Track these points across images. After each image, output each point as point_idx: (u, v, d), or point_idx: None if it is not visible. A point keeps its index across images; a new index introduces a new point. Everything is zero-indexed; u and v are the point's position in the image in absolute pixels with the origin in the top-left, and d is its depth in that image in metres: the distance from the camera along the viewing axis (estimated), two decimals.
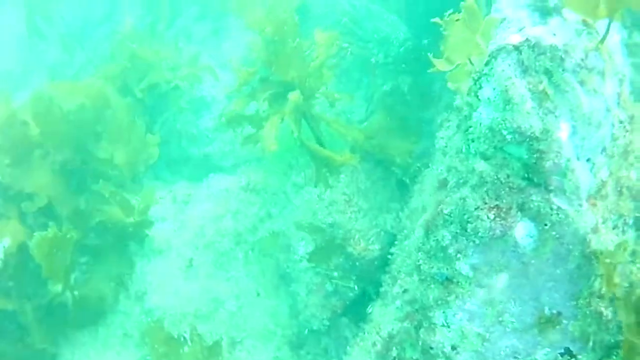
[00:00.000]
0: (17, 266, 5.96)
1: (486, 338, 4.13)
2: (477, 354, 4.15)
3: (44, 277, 5.81)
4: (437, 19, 4.28)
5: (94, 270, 6.18)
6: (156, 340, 5.44)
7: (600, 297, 4.04)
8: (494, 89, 3.92)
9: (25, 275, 5.98)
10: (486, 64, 3.99)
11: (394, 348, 4.53)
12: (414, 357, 4.37)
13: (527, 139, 3.86)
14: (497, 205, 3.97)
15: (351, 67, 6.35)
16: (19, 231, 6.04)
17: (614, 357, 4.05)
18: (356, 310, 5.50)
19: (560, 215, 3.91)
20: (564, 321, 4.08)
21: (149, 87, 6.87)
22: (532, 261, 4.01)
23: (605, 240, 4.07)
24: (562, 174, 3.90)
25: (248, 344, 5.80)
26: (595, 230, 4.01)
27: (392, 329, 4.58)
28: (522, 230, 3.97)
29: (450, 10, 4.28)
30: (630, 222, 4.33)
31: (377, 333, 4.68)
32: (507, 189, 3.96)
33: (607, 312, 4.01)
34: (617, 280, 3.97)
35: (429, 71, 4.35)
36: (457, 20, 4.24)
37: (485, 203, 3.99)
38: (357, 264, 5.49)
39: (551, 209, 3.91)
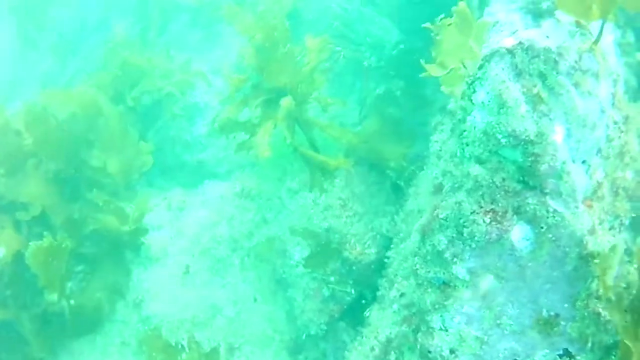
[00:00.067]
0: (12, 276, 5.95)
1: (484, 341, 4.12)
2: (475, 357, 4.15)
3: (40, 287, 5.79)
4: (428, 24, 4.27)
5: (90, 278, 6.16)
6: (154, 348, 5.42)
7: (598, 298, 4.05)
8: (488, 92, 3.92)
9: (21, 284, 5.97)
10: (479, 68, 3.99)
11: (392, 352, 4.52)
12: None
13: (522, 143, 3.86)
14: (492, 209, 3.97)
15: (344, 71, 6.34)
16: (14, 240, 6.01)
17: (613, 358, 4.05)
18: (354, 314, 5.50)
19: (556, 218, 3.91)
20: (562, 323, 4.08)
21: (142, 95, 6.86)
22: (529, 264, 4.01)
23: (602, 241, 4.07)
24: (558, 177, 3.90)
25: (246, 350, 5.79)
26: (592, 231, 4.01)
27: (390, 333, 4.58)
28: (519, 234, 3.97)
29: (442, 15, 4.28)
30: (627, 222, 4.34)
31: (375, 337, 4.68)
32: (503, 192, 3.96)
33: (605, 313, 4.01)
34: (609, 282, 3.99)
35: (421, 75, 4.34)
36: (449, 24, 4.23)
37: (481, 207, 3.98)
38: (354, 268, 5.49)
39: (547, 211, 3.91)
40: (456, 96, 4.20)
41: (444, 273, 4.17)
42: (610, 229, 4.23)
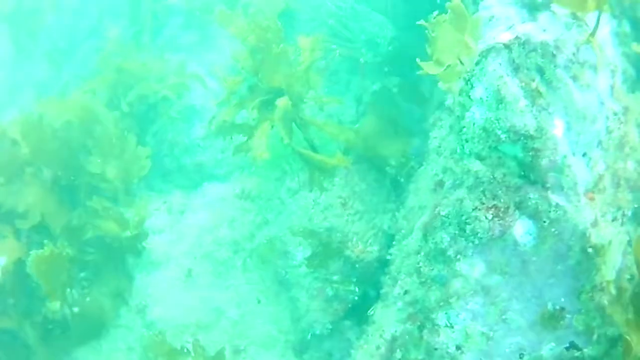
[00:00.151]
0: (14, 284, 5.93)
1: (490, 337, 4.13)
2: (482, 353, 4.15)
3: (42, 295, 5.78)
4: (422, 22, 4.25)
5: (92, 285, 6.15)
6: (159, 353, 5.42)
7: (603, 290, 4.05)
8: (486, 88, 3.92)
9: (23, 293, 5.96)
10: (477, 64, 3.99)
11: (398, 350, 4.52)
12: (419, 358, 4.36)
13: (522, 138, 3.86)
14: (494, 205, 3.97)
15: (339, 69, 6.31)
16: (15, 249, 6.00)
17: (619, 349, 4.05)
18: (358, 312, 5.49)
19: (558, 212, 3.91)
20: (568, 316, 4.08)
21: (138, 99, 6.83)
22: (533, 259, 4.01)
23: (605, 233, 4.07)
24: (559, 171, 3.91)
25: (252, 352, 5.78)
26: (594, 224, 4.01)
27: (395, 331, 4.57)
28: (521, 229, 3.97)
29: (436, 11, 4.26)
30: (629, 214, 4.33)
31: (381, 336, 4.67)
32: (504, 188, 3.96)
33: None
34: (607, 276, 4.00)
35: (418, 73, 4.32)
36: (443, 21, 4.21)
37: (483, 203, 3.99)
38: (357, 266, 5.47)
39: (549, 206, 3.92)
40: (454, 92, 4.19)
41: (447, 270, 4.17)
42: (612, 221, 4.23)
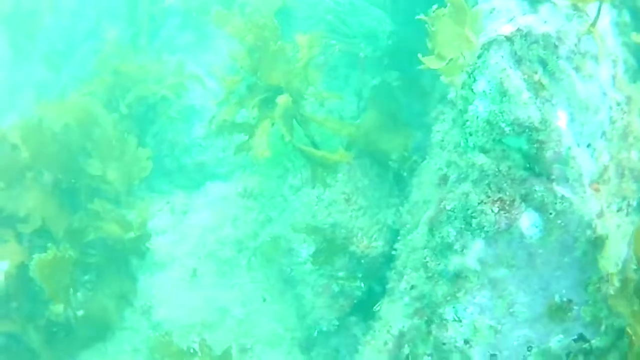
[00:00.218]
0: (17, 288, 5.92)
1: (498, 330, 4.13)
2: (490, 346, 4.15)
3: (46, 299, 5.77)
4: (422, 16, 4.24)
5: (96, 287, 6.14)
6: (165, 354, 5.41)
7: (609, 281, 4.05)
8: (489, 81, 3.91)
9: (26, 296, 5.94)
10: (479, 57, 3.98)
11: (406, 345, 4.51)
12: (427, 353, 4.35)
13: (526, 130, 3.85)
14: (500, 198, 3.96)
15: (338, 64, 6.29)
16: (17, 253, 5.99)
17: (626, 340, 4.04)
18: (364, 308, 5.48)
19: (564, 204, 3.91)
20: (575, 307, 4.08)
21: (136, 100, 6.81)
22: (539, 251, 4.00)
23: (610, 224, 4.07)
24: (564, 162, 3.90)
25: (258, 350, 5.77)
26: (600, 215, 4.00)
27: (403, 327, 4.56)
28: (527, 221, 3.96)
29: (435, 5, 4.24)
30: (634, 203, 4.33)
31: (388, 331, 4.66)
32: (509, 181, 3.96)
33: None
34: (609, 269, 3.99)
35: (419, 68, 4.30)
36: (443, 15, 4.20)
37: (489, 197, 3.98)
38: (362, 262, 5.47)
39: (555, 197, 3.91)
40: (456, 86, 4.18)
41: (454, 265, 4.16)
42: (618, 211, 4.23)
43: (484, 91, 3.91)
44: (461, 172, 4.15)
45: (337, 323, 5.60)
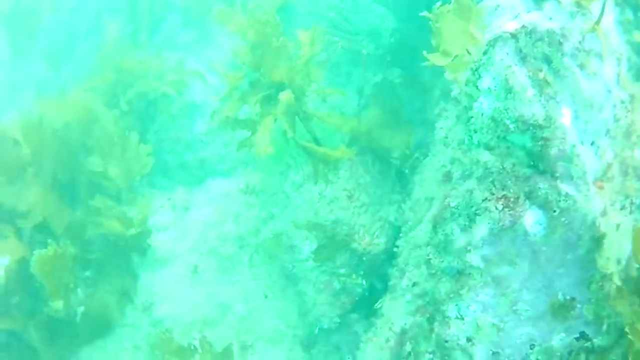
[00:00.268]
0: (18, 284, 5.91)
1: (501, 328, 4.12)
2: (492, 344, 4.14)
3: (47, 295, 5.76)
4: (426, 13, 4.24)
5: (97, 284, 6.13)
6: (166, 351, 5.40)
7: (612, 279, 4.04)
8: (494, 78, 3.91)
9: (26, 292, 5.93)
10: (484, 54, 3.98)
11: (408, 342, 4.51)
12: (429, 350, 4.35)
13: (531, 127, 3.85)
14: (504, 195, 3.96)
15: (340, 61, 6.28)
16: (18, 249, 5.98)
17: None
18: (365, 305, 5.47)
19: (568, 201, 3.91)
20: (578, 306, 4.08)
21: (137, 97, 6.80)
22: (543, 248, 4.00)
23: (614, 222, 4.07)
24: (568, 160, 3.90)
25: (259, 347, 5.76)
26: (603, 213, 4.00)
27: (405, 324, 4.56)
28: (531, 219, 3.96)
29: (439, 2, 4.24)
30: (638, 202, 4.33)
31: (390, 328, 4.66)
32: (514, 178, 3.95)
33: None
34: (609, 269, 3.99)
35: (424, 64, 4.30)
36: (447, 11, 4.19)
37: (493, 194, 3.98)
38: (363, 259, 5.46)
39: (559, 195, 3.91)
40: (460, 83, 4.17)
41: (457, 262, 4.15)
42: (621, 210, 4.22)
43: (488, 88, 3.91)
44: (465, 169, 4.14)
45: (338, 320, 5.59)
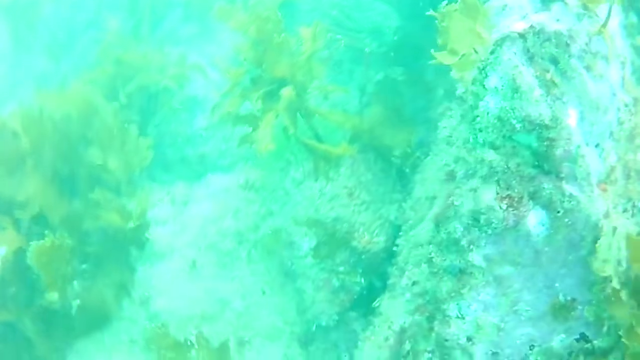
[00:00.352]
0: (15, 276, 5.89)
1: (501, 328, 4.12)
2: (493, 344, 4.14)
3: (43, 287, 5.74)
4: (431, 12, 4.23)
5: (94, 277, 6.11)
6: (162, 346, 5.38)
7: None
8: (501, 77, 3.91)
9: (24, 285, 5.91)
10: (491, 53, 3.98)
11: (407, 341, 4.50)
12: (428, 349, 4.34)
13: (537, 127, 3.85)
14: (509, 194, 3.95)
15: (343, 59, 6.28)
16: (15, 239, 5.95)
17: None
18: (364, 303, 5.46)
19: (572, 202, 3.91)
20: (579, 307, 4.08)
21: (138, 90, 6.80)
22: (545, 249, 4.00)
23: (616, 225, 4.07)
24: (573, 161, 3.90)
25: (257, 343, 5.75)
26: (606, 215, 4.01)
27: (404, 323, 4.56)
28: (534, 219, 3.96)
29: (445, 1, 4.24)
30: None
31: (389, 327, 4.65)
32: (518, 178, 3.96)
33: (623, 295, 4.01)
34: (607, 272, 3.99)
35: (428, 63, 4.29)
36: (454, 11, 4.20)
37: (497, 193, 3.97)
38: (363, 257, 5.45)
39: (563, 196, 3.91)
40: (466, 81, 4.17)
41: (460, 261, 4.15)
42: (623, 212, 4.23)
43: (495, 87, 3.91)
44: (469, 167, 4.14)
45: (336, 318, 5.58)
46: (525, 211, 3.94)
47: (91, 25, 8.22)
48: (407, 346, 4.49)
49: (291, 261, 5.77)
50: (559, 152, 3.86)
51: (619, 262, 4.10)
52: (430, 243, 4.37)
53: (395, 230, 5.29)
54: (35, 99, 6.44)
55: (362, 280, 5.50)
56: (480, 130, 4.02)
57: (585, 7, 4.17)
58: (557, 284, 4.07)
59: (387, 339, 4.65)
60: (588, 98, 3.97)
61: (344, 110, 5.96)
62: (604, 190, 4.04)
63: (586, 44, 4.03)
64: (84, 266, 6.10)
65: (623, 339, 3.84)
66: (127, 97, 6.72)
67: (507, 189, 3.95)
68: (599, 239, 3.97)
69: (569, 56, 3.93)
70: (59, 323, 5.99)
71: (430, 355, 4.32)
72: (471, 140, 4.11)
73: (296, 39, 5.41)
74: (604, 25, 4.09)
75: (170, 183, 6.73)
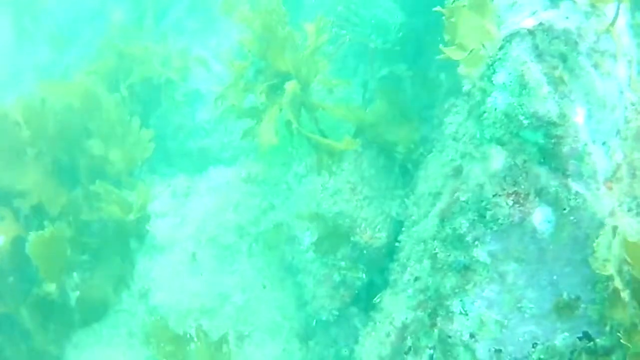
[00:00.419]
0: (13, 267, 5.87)
1: (505, 325, 4.11)
2: (495, 341, 4.13)
3: (41, 278, 5.72)
4: (439, 8, 4.23)
5: (94, 269, 6.09)
6: (161, 339, 5.36)
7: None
8: (510, 73, 3.90)
9: (22, 276, 5.90)
10: (500, 49, 3.97)
11: (409, 337, 4.49)
12: (429, 345, 4.33)
13: (545, 124, 3.85)
14: (515, 191, 3.95)
15: (347, 54, 6.28)
16: (14, 229, 5.94)
17: None
18: (365, 299, 5.47)
19: (578, 200, 3.90)
20: (583, 305, 4.07)
21: (141, 81, 6.79)
22: (550, 246, 3.99)
23: (621, 224, 4.06)
24: (580, 159, 3.89)
25: (256, 338, 5.74)
26: (612, 214, 4.00)
27: (406, 319, 4.55)
28: (540, 216, 3.95)
29: None
30: None
31: (391, 323, 4.65)
32: (525, 174, 3.94)
33: (625, 295, 4.00)
34: (608, 271, 3.97)
35: (435, 58, 4.29)
36: (462, 7, 4.19)
37: (504, 189, 3.96)
38: (364, 252, 5.44)
39: (569, 193, 3.90)
40: (473, 78, 4.16)
41: (464, 257, 4.14)
42: (628, 211, 4.22)
43: (503, 83, 3.91)
44: (476, 164, 4.13)
45: (337, 313, 5.57)
46: (531, 208, 3.93)
47: (95, 16, 8.23)
48: (409, 342, 4.47)
49: (292, 255, 5.76)
50: (565, 149, 3.85)
51: (623, 261, 4.09)
52: (434, 239, 4.36)
53: (398, 226, 5.29)
54: (38, 90, 6.41)
55: (364, 275, 5.49)
56: (488, 126, 4.01)
57: (593, 6, 4.16)
58: (561, 282, 4.06)
59: (388, 334, 4.64)
60: (596, 96, 3.96)
61: (349, 104, 5.96)
62: (610, 188, 4.03)
63: (594, 42, 4.02)
64: (83, 257, 6.09)
65: (622, 340, 3.82)
66: (130, 89, 6.71)
67: (514, 185, 3.94)
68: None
69: (577, 54, 3.93)
70: (57, 315, 5.97)
71: (431, 351, 4.31)
72: (478, 135, 4.11)
73: (301, 33, 5.40)
74: (612, 23, 4.08)
75: (171, 175, 6.72)
